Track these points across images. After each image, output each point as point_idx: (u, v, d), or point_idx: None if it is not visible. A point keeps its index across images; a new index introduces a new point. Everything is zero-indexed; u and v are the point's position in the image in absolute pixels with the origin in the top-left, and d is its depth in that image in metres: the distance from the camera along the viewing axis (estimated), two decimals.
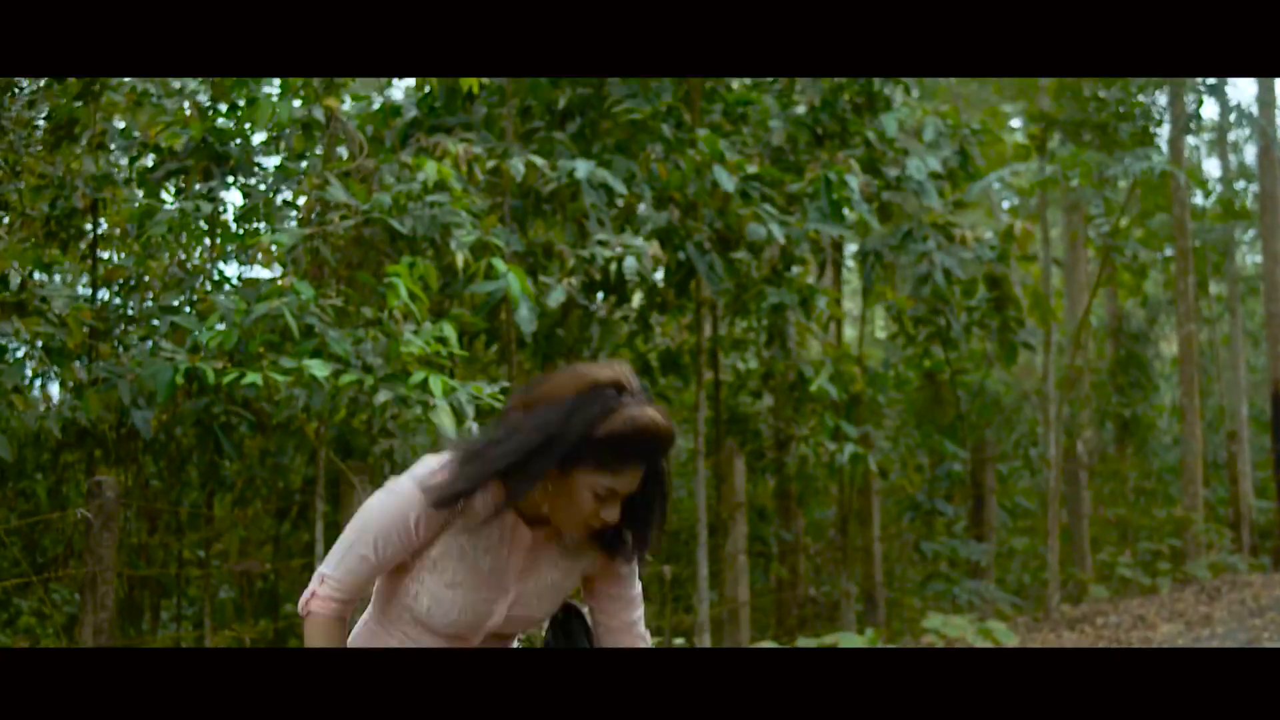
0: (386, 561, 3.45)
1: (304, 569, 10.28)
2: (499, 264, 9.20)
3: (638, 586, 3.67)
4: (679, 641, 11.29)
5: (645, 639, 3.69)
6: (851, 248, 14.77)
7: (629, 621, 3.66)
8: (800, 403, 13.41)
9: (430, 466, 3.40)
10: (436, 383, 8.14)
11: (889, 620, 14.45)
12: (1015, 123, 26.90)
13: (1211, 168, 29.57)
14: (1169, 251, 24.27)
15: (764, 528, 14.10)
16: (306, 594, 3.50)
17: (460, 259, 9.01)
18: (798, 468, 13.94)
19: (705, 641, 11.48)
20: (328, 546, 9.14)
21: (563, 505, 3.36)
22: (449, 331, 8.59)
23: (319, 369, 7.87)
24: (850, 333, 19.60)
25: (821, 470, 13.95)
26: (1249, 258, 31.71)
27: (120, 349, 9.13)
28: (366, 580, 3.49)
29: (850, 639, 11.47)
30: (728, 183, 11.00)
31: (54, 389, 10.17)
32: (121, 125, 9.85)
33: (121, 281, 9.60)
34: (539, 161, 10.07)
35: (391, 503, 3.40)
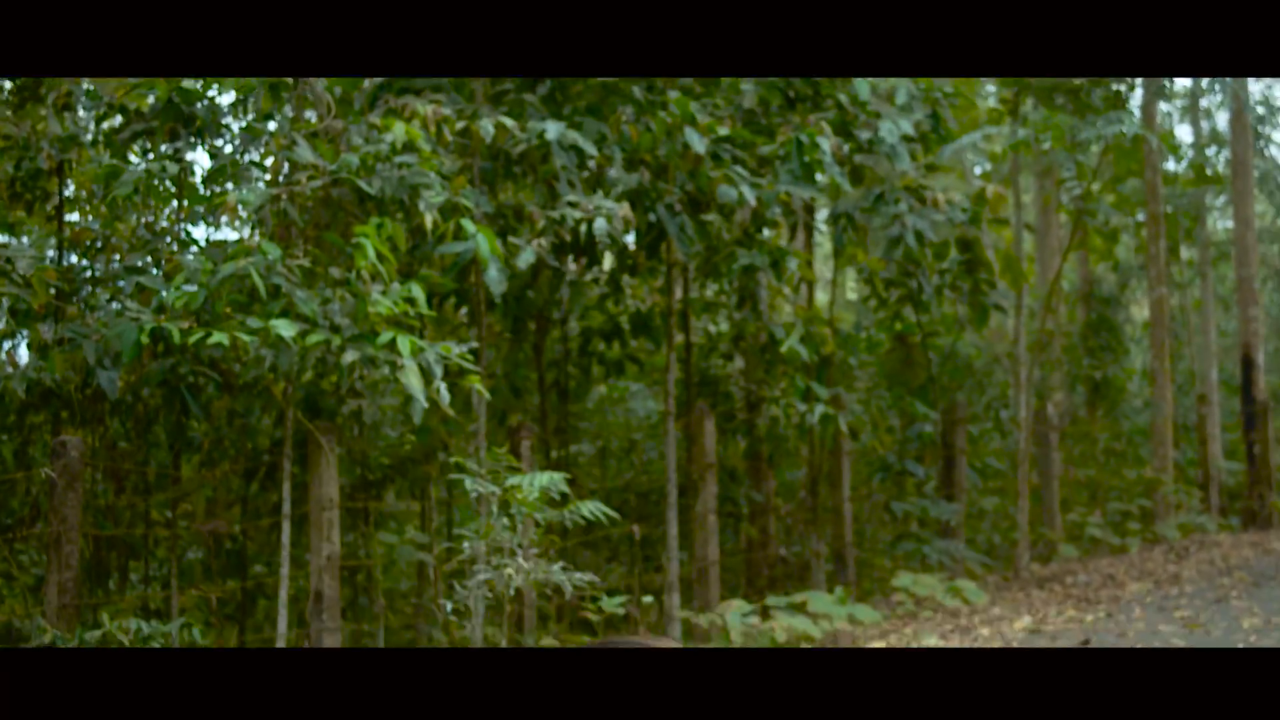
0: None
1: (272, 529, 10.28)
2: (468, 225, 9.19)
3: None
4: (648, 600, 11.35)
5: None
6: (823, 212, 14.79)
7: None
8: (771, 364, 13.44)
9: None
10: (404, 343, 8.15)
11: (859, 580, 14.51)
12: (989, 87, 26.85)
13: (1183, 133, 29.61)
14: (1140, 216, 24.31)
15: (734, 488, 14.14)
16: None
17: (429, 220, 9.01)
18: (768, 429, 13.96)
19: (675, 600, 11.53)
20: (296, 506, 9.19)
21: None
22: (417, 292, 8.59)
23: (286, 329, 7.87)
24: (821, 297, 19.63)
25: (792, 431, 13.97)
26: (1220, 223, 31.77)
27: (86, 310, 9.11)
28: None
29: (820, 598, 11.54)
30: (699, 144, 10.99)
31: (20, 351, 10.15)
32: (88, 86, 9.80)
33: (88, 243, 9.58)
34: (509, 123, 10.05)
35: None
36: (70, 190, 9.64)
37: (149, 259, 9.09)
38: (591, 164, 11.34)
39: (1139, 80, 18.77)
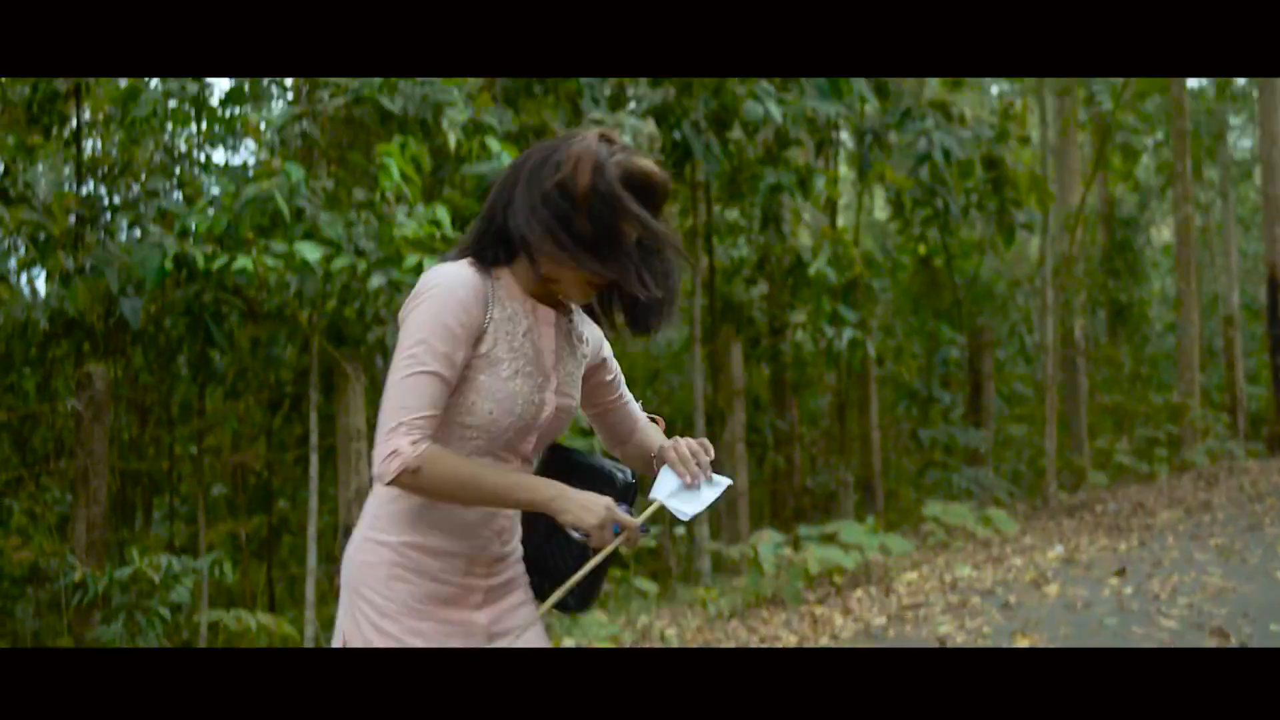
0: (451, 368, 3.14)
1: (298, 461, 10.09)
2: (493, 144, 8.93)
3: (616, 366, 3.55)
4: (679, 532, 11.17)
5: (634, 406, 3.61)
6: (834, 132, 14.49)
7: (620, 399, 3.56)
8: (797, 287, 13.19)
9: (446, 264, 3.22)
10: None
11: (886, 509, 14.33)
12: None
13: None
14: (1159, 136, 24.04)
15: (759, 417, 13.94)
16: (384, 456, 3.08)
17: (452, 139, 8.76)
18: (794, 355, 13.75)
19: (704, 532, 11.33)
20: (322, 438, 8.98)
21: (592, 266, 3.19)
22: (442, 214, 8.35)
23: (310, 252, 7.63)
24: (841, 220, 19.39)
25: (818, 357, 13.76)
26: (1239, 142, 31.54)
27: (106, 237, 8.87)
28: (442, 405, 3.15)
29: (851, 528, 11.34)
30: None
31: (40, 282, 9.94)
32: None
33: (106, 169, 9.32)
34: None
35: (442, 296, 3.11)
36: (87, 116, 9.37)
37: (169, 183, 8.84)
38: (614, 81, 11.10)
39: None
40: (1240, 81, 25.11)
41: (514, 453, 3.27)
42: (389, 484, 3.09)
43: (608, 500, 3.10)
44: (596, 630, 8.92)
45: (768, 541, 10.79)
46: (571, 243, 3.11)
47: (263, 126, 8.46)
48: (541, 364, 3.26)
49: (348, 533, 8.76)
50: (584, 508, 3.09)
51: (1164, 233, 30.25)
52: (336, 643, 3.26)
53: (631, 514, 3.17)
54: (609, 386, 3.49)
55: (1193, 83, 22.50)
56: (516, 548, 3.39)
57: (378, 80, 8.51)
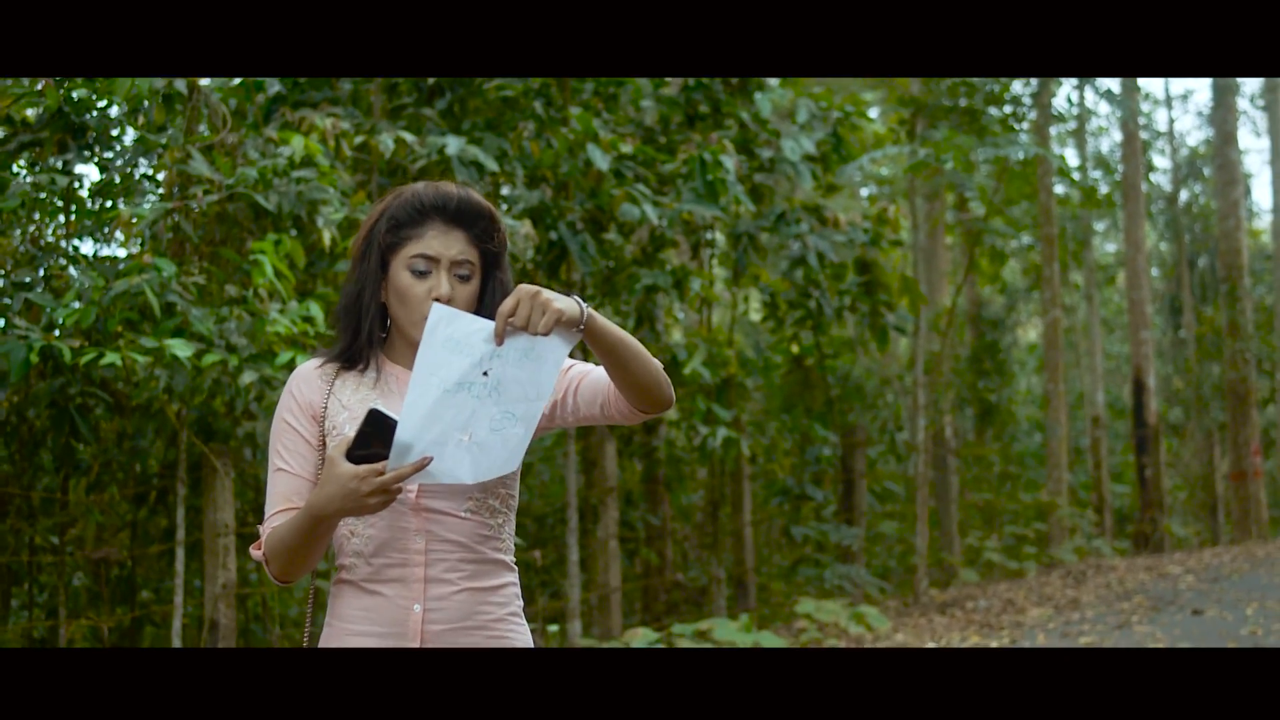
0: (298, 457, 3.30)
1: (162, 555, 9.92)
2: None
3: (579, 371, 3.40)
4: (552, 629, 11.09)
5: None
6: (709, 233, 14.62)
7: (583, 379, 3.38)
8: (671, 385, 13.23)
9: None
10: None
11: (758, 605, 14.35)
12: (873, 112, 26.95)
13: (1068, 157, 30.06)
14: (1026, 239, 24.53)
15: (631, 512, 13.93)
16: (257, 553, 3.27)
17: (327, 236, 8.72)
18: (667, 451, 13.76)
19: (576, 628, 11.27)
20: (189, 532, 8.85)
21: (401, 308, 3.28)
22: (316, 311, 8.31)
23: (181, 349, 7.54)
24: (715, 320, 19.49)
25: (692, 454, 13.78)
26: (1103, 246, 32.23)
27: None
28: (297, 494, 3.27)
29: (724, 625, 11.34)
30: (602, 161, 10.78)
31: None
32: None
33: None
34: (409, 138, 9.78)
35: (281, 397, 3.35)
36: None
37: (36, 275, 8.69)
38: (491, 180, 11.11)
39: (1032, 103, 18.86)
40: (1101, 189, 25.68)
41: (402, 503, 3.26)
42: (262, 559, 3.25)
43: (344, 470, 3.00)
44: None
45: (641, 638, 10.76)
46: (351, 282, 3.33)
47: (133, 220, 8.34)
48: None
49: (214, 627, 8.63)
50: (344, 496, 3.01)
51: (1029, 333, 30.78)
52: None
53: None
54: (573, 392, 3.37)
55: (1059, 189, 22.96)
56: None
57: (253, 176, 8.47)
